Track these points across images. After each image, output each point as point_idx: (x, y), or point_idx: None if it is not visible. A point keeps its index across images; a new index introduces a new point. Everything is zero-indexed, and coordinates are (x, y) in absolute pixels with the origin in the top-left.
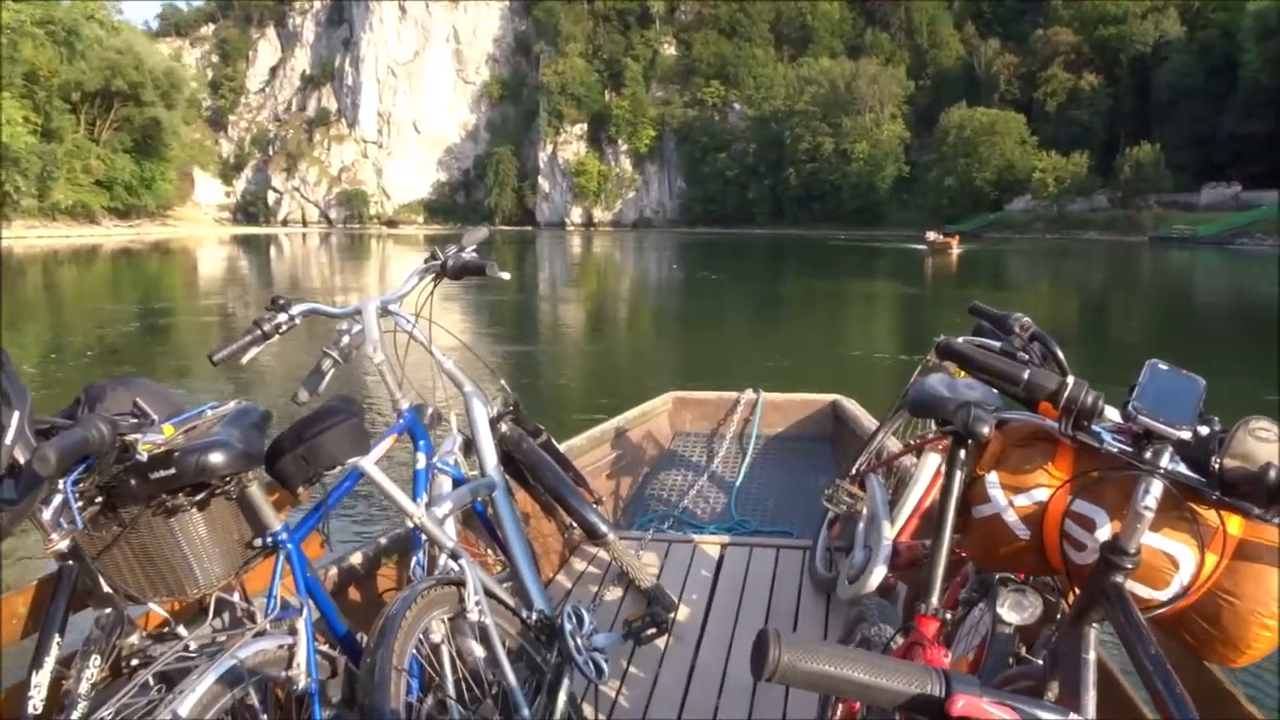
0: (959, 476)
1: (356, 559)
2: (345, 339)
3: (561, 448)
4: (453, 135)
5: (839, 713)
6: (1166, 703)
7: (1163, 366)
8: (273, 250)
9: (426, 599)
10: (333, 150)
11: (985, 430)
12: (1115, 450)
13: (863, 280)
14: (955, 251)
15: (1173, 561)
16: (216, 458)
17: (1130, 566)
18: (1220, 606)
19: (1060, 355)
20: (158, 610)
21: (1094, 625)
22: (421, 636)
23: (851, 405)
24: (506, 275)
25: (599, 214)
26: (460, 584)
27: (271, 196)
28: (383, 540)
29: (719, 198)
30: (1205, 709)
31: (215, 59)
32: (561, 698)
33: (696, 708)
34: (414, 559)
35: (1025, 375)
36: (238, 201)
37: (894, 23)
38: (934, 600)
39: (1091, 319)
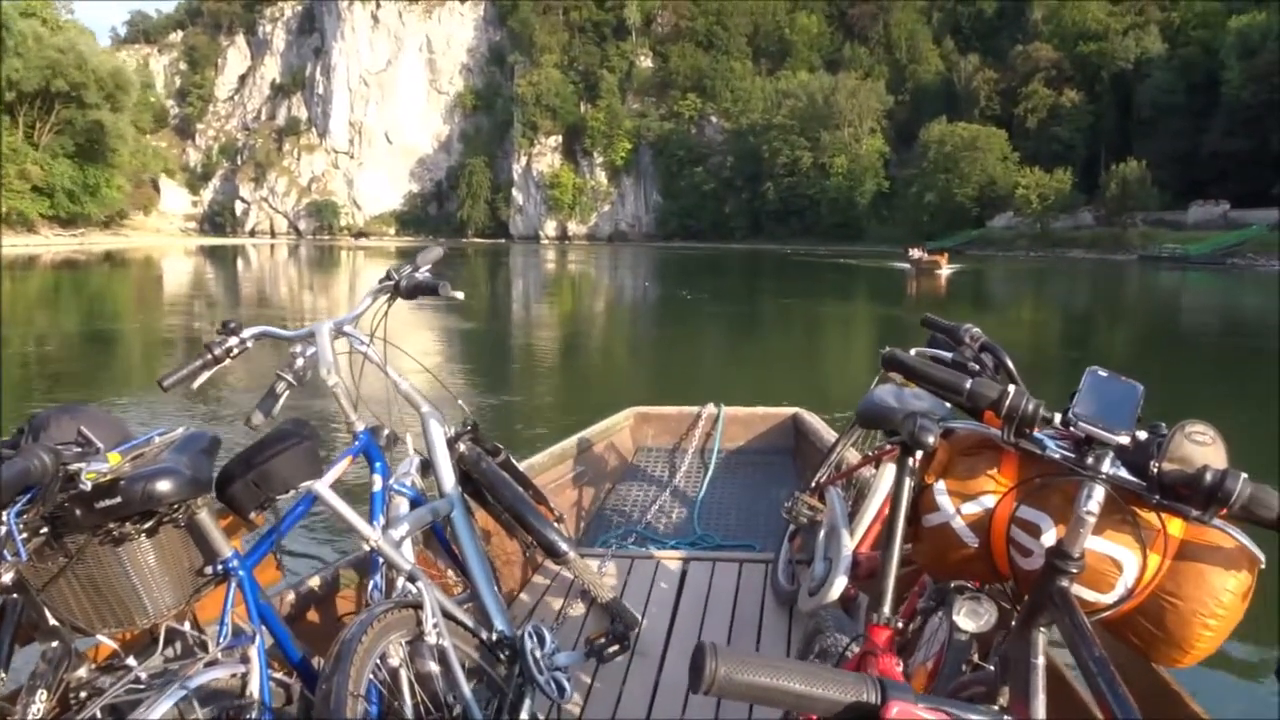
0: (908, 486)
1: (313, 584)
2: (299, 361)
3: (522, 465)
4: (425, 146)
5: None
6: (1110, 704)
7: (1102, 373)
8: (240, 262)
9: (383, 622)
10: (303, 160)
11: (930, 440)
12: (1058, 457)
13: (844, 302)
14: (944, 271)
15: (1116, 565)
16: (163, 485)
17: (1075, 571)
18: (1164, 608)
19: (1010, 365)
20: (106, 642)
21: (1042, 630)
22: (379, 661)
23: (812, 419)
24: (460, 295)
25: (574, 227)
26: (418, 606)
27: (239, 207)
28: (340, 564)
29: (695, 212)
30: (1153, 710)
31: (183, 66)
32: (523, 718)
33: (666, 707)
34: (371, 582)
35: (967, 385)
36: (205, 211)
37: (873, 37)
38: (885, 610)
39: (1101, 345)
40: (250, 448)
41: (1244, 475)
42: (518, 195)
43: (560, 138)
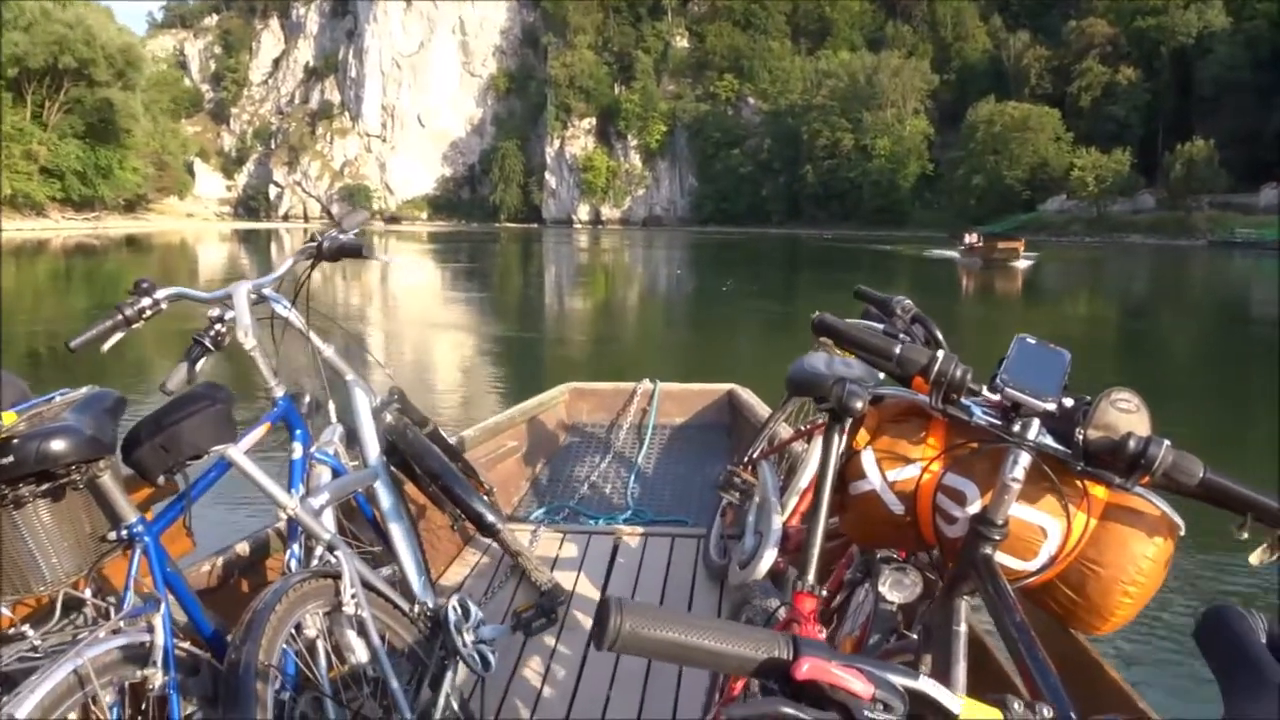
0: (835, 453)
1: (230, 555)
2: (218, 326)
3: (454, 439)
4: (458, 129)
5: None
6: (1029, 669)
7: (1030, 340)
8: (273, 247)
9: (299, 592)
10: (335, 144)
11: (858, 405)
12: (985, 423)
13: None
14: (1021, 264)
15: (1040, 532)
16: (59, 444)
17: (998, 538)
18: (1085, 575)
19: (940, 337)
20: (1, 610)
21: (964, 598)
22: (293, 631)
23: (747, 394)
24: (387, 257)
25: (607, 211)
26: (336, 576)
27: (273, 191)
28: (259, 535)
29: (732, 195)
30: (1072, 677)
31: (218, 50)
32: (444, 691)
33: (588, 699)
34: (289, 552)
35: (897, 350)
36: (239, 196)
37: (916, 15)
38: (810, 577)
39: None
40: (159, 410)
41: (1166, 442)
42: (550, 179)
43: (594, 120)
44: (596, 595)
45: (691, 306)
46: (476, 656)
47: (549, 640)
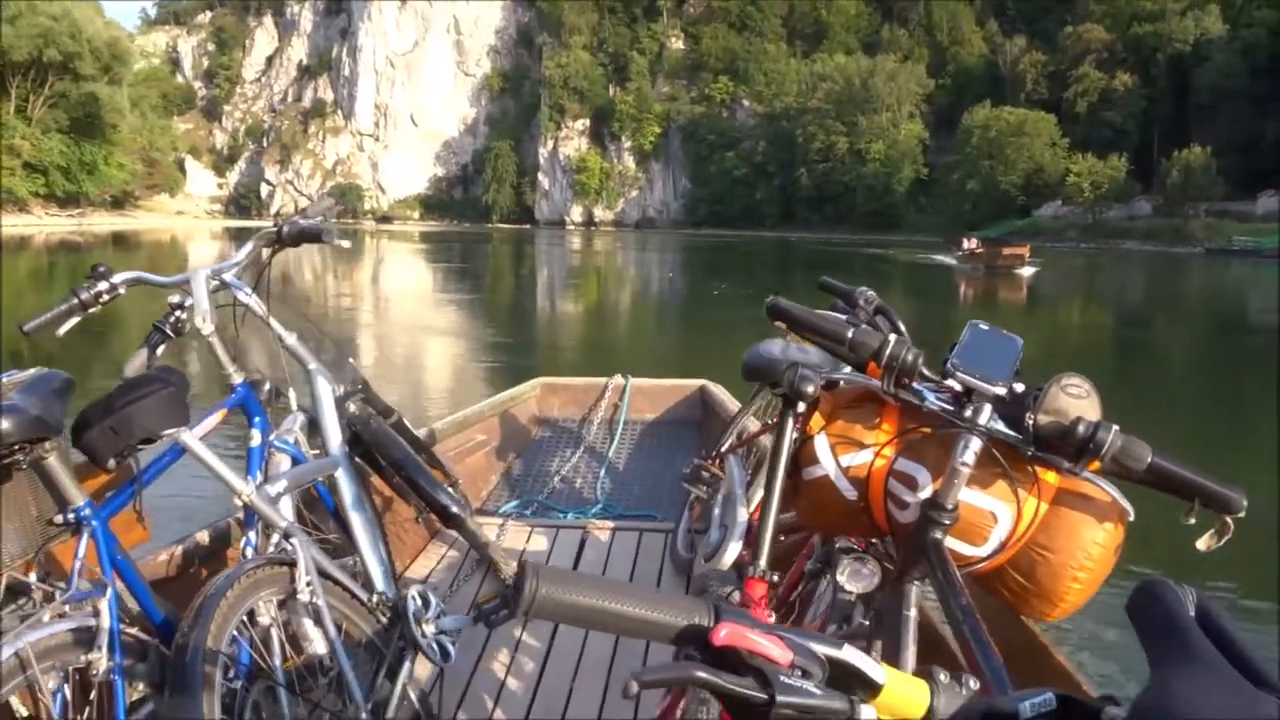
0: (788, 438)
1: (189, 544)
2: (178, 313)
3: (423, 431)
4: (451, 129)
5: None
6: (973, 650)
7: (983, 327)
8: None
9: (252, 579)
10: (328, 143)
11: (810, 389)
12: (937, 409)
13: (903, 301)
14: (1026, 271)
15: (991, 517)
16: (2, 424)
17: (948, 522)
18: (1035, 561)
19: (902, 329)
20: None
21: (915, 583)
22: (246, 619)
23: (719, 390)
24: (346, 243)
25: (600, 213)
26: (291, 564)
27: (264, 189)
28: (218, 524)
29: (726, 198)
30: (1020, 663)
31: (211, 47)
32: (401, 682)
33: (550, 691)
34: (244, 540)
35: (849, 334)
36: (230, 194)
37: (913, 19)
38: (762, 562)
39: None
40: (110, 393)
41: (1115, 427)
42: (544, 180)
43: (588, 121)
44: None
45: (683, 309)
46: (436, 647)
47: (514, 633)
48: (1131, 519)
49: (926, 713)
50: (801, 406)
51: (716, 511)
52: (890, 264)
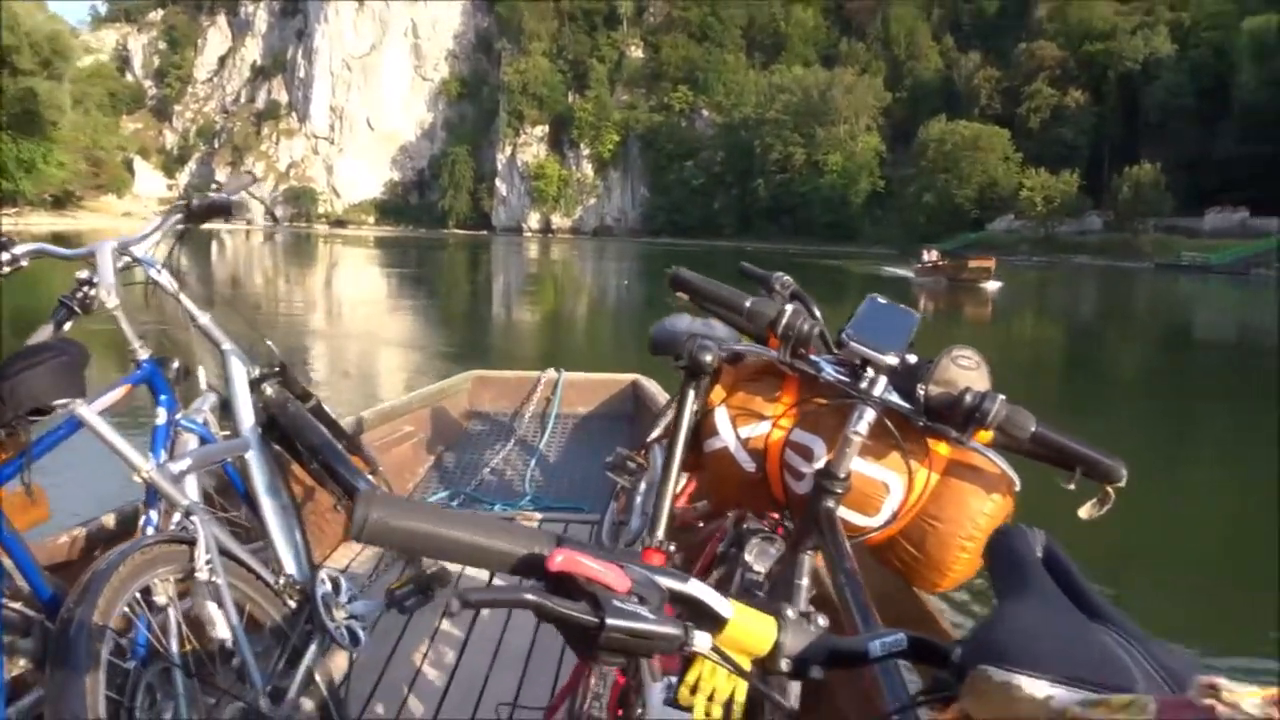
0: (688, 410)
1: (93, 527)
2: (85, 288)
3: (349, 419)
4: (408, 133)
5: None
6: (852, 612)
7: (881, 300)
8: (213, 247)
9: (146, 556)
10: (281, 145)
11: (708, 358)
12: (833, 379)
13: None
14: (992, 286)
15: (883, 488)
16: None
17: (840, 491)
18: (925, 531)
19: (818, 314)
20: None
21: (809, 553)
22: (141, 599)
23: (650, 384)
24: (255, 218)
25: (558, 220)
26: (190, 543)
27: (215, 191)
28: (124, 508)
29: (684, 207)
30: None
31: (162, 46)
32: (305, 666)
33: (467, 677)
34: (144, 519)
35: (747, 303)
36: (180, 195)
37: (870, 32)
38: (659, 533)
39: None
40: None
41: (1001, 397)
42: (501, 186)
43: (546, 128)
44: (484, 579)
45: (639, 316)
46: (346, 632)
47: (431, 621)
48: (1018, 489)
49: (773, 647)
50: (703, 380)
51: (639, 500)
52: (846, 276)
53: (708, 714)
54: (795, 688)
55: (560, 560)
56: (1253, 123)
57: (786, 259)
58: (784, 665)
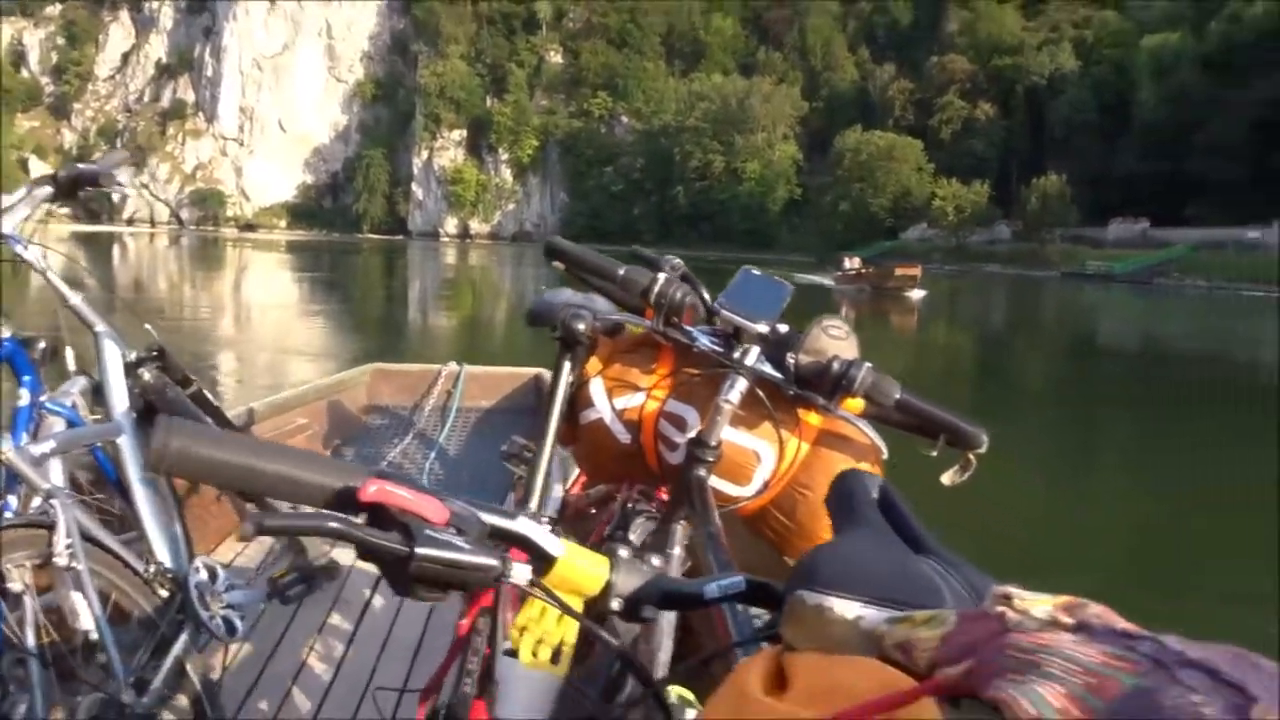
0: (564, 381)
1: None
2: None
3: (239, 410)
4: (321, 135)
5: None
6: (714, 570)
7: (755, 272)
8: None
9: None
10: (188, 146)
11: (581, 327)
12: (707, 349)
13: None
14: (917, 295)
15: (755, 457)
16: None
17: (711, 459)
18: (796, 500)
19: (706, 297)
20: None
21: (681, 523)
22: None
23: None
24: (127, 187)
25: (476, 225)
26: (49, 527)
27: (117, 193)
28: None
29: (603, 213)
30: None
31: (61, 41)
32: (173, 657)
33: (354, 670)
34: (2, 503)
35: (621, 271)
36: (79, 197)
37: (787, 43)
38: (533, 504)
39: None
40: None
41: (868, 365)
42: (418, 190)
43: (464, 132)
44: (375, 570)
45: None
46: (221, 623)
47: (318, 615)
48: (885, 456)
49: (605, 587)
50: (579, 350)
51: (533, 489)
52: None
53: (535, 654)
54: (668, 630)
55: (373, 490)
56: (1152, 139)
57: (706, 265)
58: (615, 605)
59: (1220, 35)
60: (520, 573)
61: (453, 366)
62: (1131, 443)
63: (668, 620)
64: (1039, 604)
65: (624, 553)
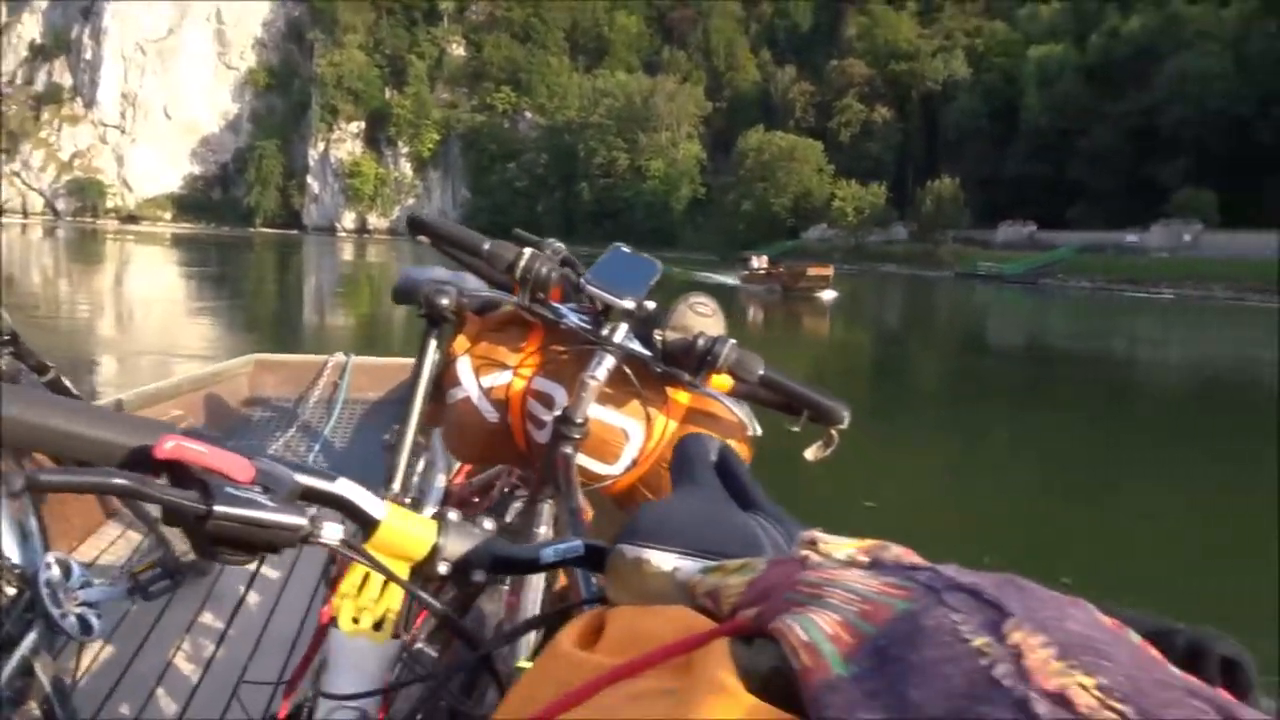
0: (430, 359)
1: None
2: None
3: (107, 400)
4: (210, 124)
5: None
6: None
7: (625, 249)
8: None
9: None
10: (64, 132)
11: (445, 302)
12: (575, 326)
13: None
14: (828, 296)
15: (623, 434)
16: None
17: (578, 436)
18: (663, 477)
19: (584, 272)
20: None
21: (548, 502)
22: None
23: None
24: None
25: (374, 220)
26: None
27: None
28: None
29: (506, 209)
30: None
31: None
32: (19, 655)
33: (225, 669)
34: None
35: (486, 245)
36: None
37: (691, 42)
38: (395, 486)
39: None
40: None
41: (732, 341)
42: (313, 183)
43: (363, 124)
44: (252, 567)
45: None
46: (75, 620)
47: (187, 613)
48: (751, 434)
49: (432, 550)
50: (444, 328)
51: (416, 479)
52: (669, 279)
53: (356, 620)
54: (535, 596)
55: (170, 447)
56: (1037, 145)
57: None
58: (443, 569)
59: (1100, 48)
60: (331, 532)
61: (340, 357)
62: (1015, 435)
63: (534, 585)
64: (843, 548)
65: (454, 516)
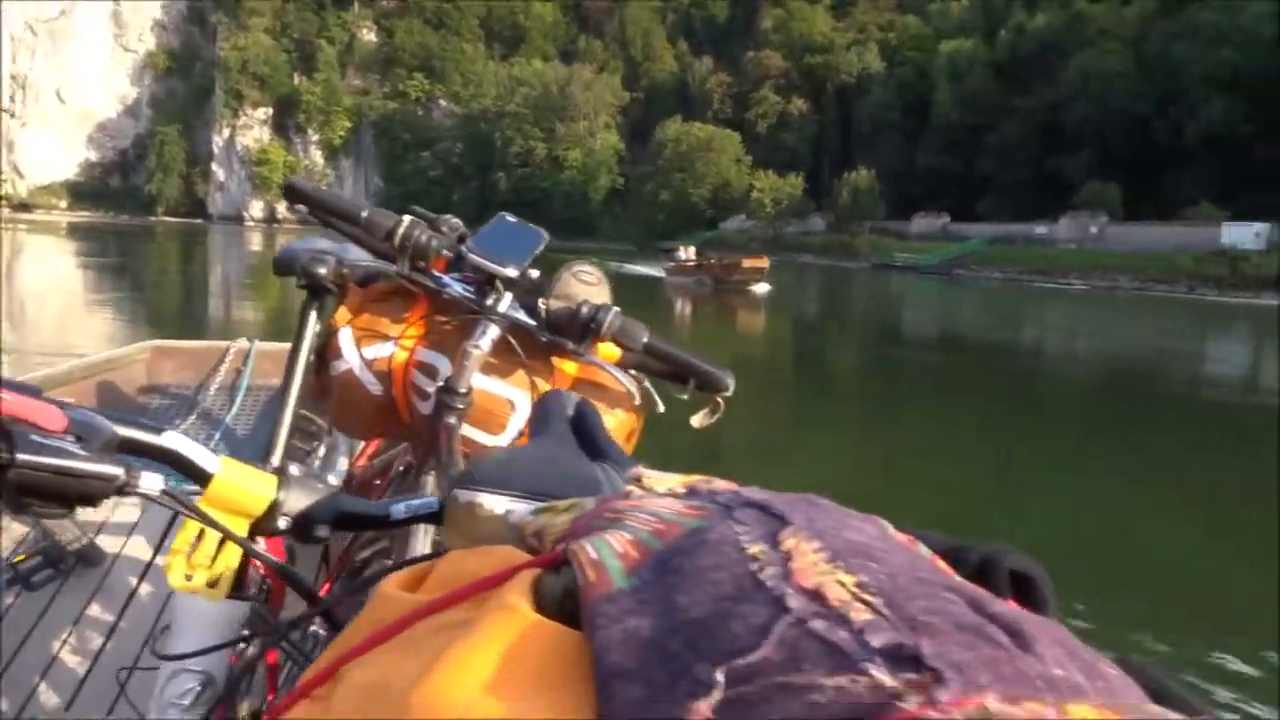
0: (310, 331)
1: None
2: None
3: None
4: (107, 109)
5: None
6: None
7: (510, 218)
8: None
9: None
10: None
11: (322, 271)
12: (457, 295)
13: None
14: (762, 290)
15: (509, 405)
16: None
17: (461, 406)
18: None
19: (494, 269)
20: None
21: (433, 474)
22: None
23: None
24: None
25: (283, 209)
26: None
27: None
28: None
29: (420, 198)
30: None
31: None
32: None
33: (113, 662)
34: None
35: (364, 213)
36: None
37: (608, 32)
38: (274, 460)
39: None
40: None
41: (616, 309)
42: (218, 171)
43: (270, 110)
44: (147, 556)
45: None
46: None
47: (76, 604)
48: (637, 402)
49: (271, 506)
50: (325, 299)
51: (318, 464)
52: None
53: (189, 578)
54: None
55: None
56: (948, 139)
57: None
58: (283, 524)
59: (1008, 44)
60: (150, 482)
61: (242, 343)
62: (930, 421)
63: (419, 536)
64: (666, 482)
65: (295, 470)
